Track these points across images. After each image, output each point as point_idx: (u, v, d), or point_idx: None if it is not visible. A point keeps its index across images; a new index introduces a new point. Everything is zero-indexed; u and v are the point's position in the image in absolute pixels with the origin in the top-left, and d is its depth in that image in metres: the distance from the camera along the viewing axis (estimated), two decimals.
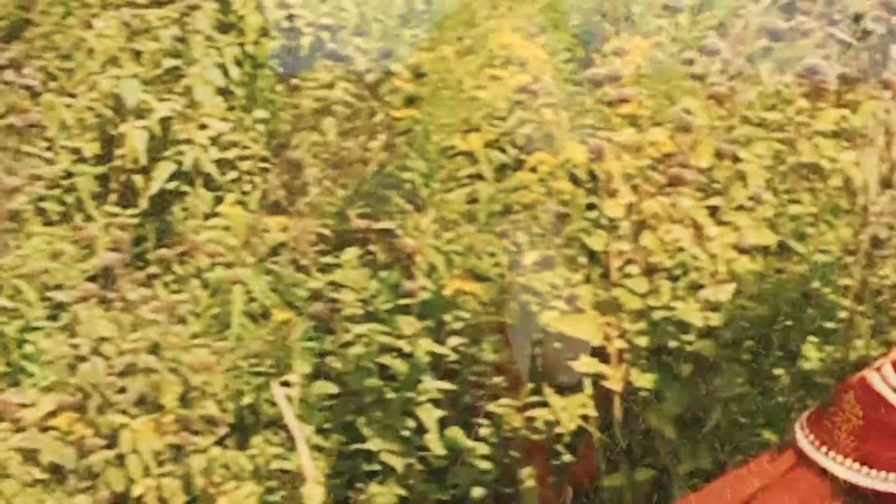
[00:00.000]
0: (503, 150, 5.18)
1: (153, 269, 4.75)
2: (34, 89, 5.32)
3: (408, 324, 4.67)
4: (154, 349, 4.47)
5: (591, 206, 4.65)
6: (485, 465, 4.61)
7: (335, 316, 4.64)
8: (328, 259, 5.14)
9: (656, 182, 4.60)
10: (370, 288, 4.88)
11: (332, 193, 5.37)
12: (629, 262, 4.55)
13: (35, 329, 4.64)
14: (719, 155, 4.69)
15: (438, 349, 4.66)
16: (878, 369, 2.63)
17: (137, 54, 5.48)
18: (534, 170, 4.73)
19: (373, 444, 4.54)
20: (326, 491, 4.53)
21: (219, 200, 5.31)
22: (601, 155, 4.55)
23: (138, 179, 5.39)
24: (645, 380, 4.51)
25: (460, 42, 5.57)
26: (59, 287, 4.77)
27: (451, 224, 5.13)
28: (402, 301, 4.82)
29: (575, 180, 4.66)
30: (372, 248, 5.17)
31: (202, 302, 4.68)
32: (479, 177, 5.21)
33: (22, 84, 5.27)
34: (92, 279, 4.79)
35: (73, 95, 5.39)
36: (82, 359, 4.43)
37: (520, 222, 4.89)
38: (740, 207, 4.68)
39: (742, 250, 4.59)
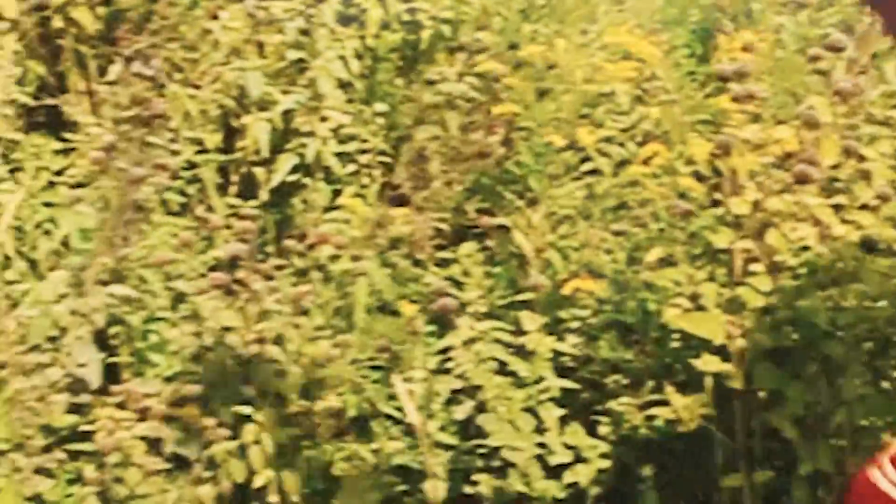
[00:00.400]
0: (622, 145, 5.15)
1: (279, 261, 4.76)
2: (160, 80, 5.35)
3: (529, 319, 4.63)
4: (278, 340, 4.47)
5: (712, 203, 4.61)
6: (604, 463, 4.58)
7: (458, 311, 4.62)
8: (444, 254, 5.13)
9: (781, 179, 4.54)
10: (485, 284, 4.86)
11: (450, 187, 5.36)
12: (753, 259, 4.50)
13: (159, 319, 4.66)
14: (846, 153, 4.64)
15: (560, 346, 4.63)
16: (880, 466, 2.63)
17: (261, 46, 5.50)
18: (646, 162, 4.70)
19: (493, 441, 4.51)
20: (446, 485, 4.52)
21: (336, 193, 5.31)
22: (728, 151, 4.50)
23: (259, 171, 5.42)
24: (767, 379, 4.46)
25: (580, 37, 5.54)
26: (180, 277, 4.79)
27: (565, 220, 5.10)
28: (519, 297, 4.79)
29: (698, 177, 4.62)
30: (489, 243, 5.16)
31: (324, 294, 4.68)
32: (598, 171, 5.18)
33: (148, 75, 5.29)
34: (212, 270, 4.81)
35: (197, 86, 5.42)
36: (207, 349, 4.44)
37: (638, 218, 4.86)
38: (864, 206, 4.62)
39: (866, 249, 4.52)
